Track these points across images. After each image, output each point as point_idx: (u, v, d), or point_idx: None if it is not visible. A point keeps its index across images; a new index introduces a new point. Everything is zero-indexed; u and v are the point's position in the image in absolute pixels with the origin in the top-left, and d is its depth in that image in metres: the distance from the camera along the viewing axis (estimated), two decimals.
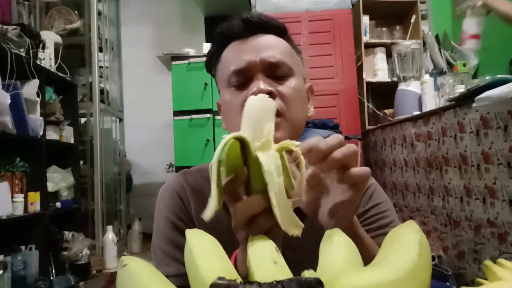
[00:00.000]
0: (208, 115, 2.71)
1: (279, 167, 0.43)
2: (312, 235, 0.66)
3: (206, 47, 2.81)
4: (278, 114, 0.62)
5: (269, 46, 0.66)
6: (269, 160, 0.43)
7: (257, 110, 0.47)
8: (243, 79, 0.65)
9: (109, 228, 2.98)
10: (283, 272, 0.33)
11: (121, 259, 0.36)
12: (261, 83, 0.63)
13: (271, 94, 0.62)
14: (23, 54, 2.40)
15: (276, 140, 0.59)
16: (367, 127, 2.75)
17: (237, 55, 0.66)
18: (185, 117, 2.76)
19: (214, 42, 0.72)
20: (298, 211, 0.66)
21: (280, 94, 0.64)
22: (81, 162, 3.30)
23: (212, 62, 0.73)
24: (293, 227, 0.44)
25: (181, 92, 2.76)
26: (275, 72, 0.65)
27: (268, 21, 0.69)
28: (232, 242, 0.56)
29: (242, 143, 0.44)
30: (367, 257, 0.42)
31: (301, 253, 0.63)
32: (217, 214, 0.71)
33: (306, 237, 0.66)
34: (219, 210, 0.43)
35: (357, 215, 0.70)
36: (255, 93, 0.61)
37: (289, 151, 0.47)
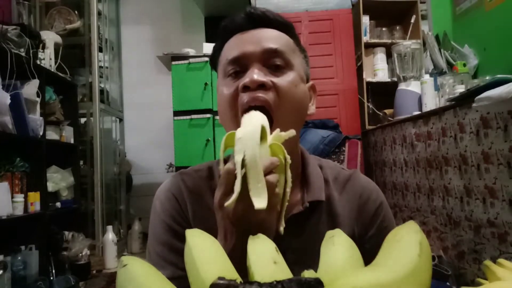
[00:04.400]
0: (208, 115, 2.71)
1: (255, 134, 0.48)
2: (314, 238, 0.66)
3: (206, 47, 2.81)
4: (268, 103, 0.60)
5: (269, 38, 0.64)
6: (245, 129, 0.49)
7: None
8: (238, 67, 0.63)
9: (109, 228, 2.98)
10: (283, 272, 0.33)
11: (121, 259, 0.36)
12: (255, 73, 0.60)
13: (264, 86, 0.60)
14: (23, 54, 2.40)
15: None
16: (367, 127, 2.75)
17: (236, 45, 0.65)
18: (185, 117, 2.76)
19: (218, 37, 0.71)
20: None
21: (275, 85, 0.61)
22: (81, 162, 3.30)
23: (215, 57, 0.71)
24: (258, 199, 0.45)
25: (181, 92, 2.76)
26: (273, 60, 0.63)
27: (273, 16, 0.67)
28: None
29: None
30: None
31: (301, 254, 0.63)
32: (215, 217, 0.70)
33: (307, 239, 0.66)
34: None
35: (364, 235, 0.68)
36: (247, 84, 0.59)
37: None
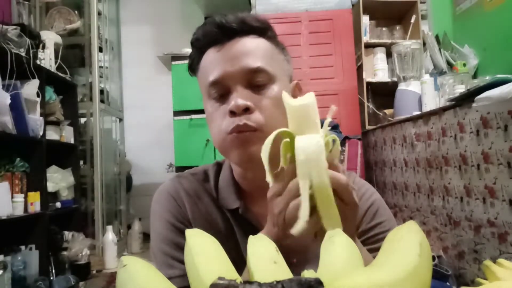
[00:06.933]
0: None
1: (320, 156, 0.43)
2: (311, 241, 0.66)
3: None
4: (254, 129, 0.60)
5: (247, 52, 0.63)
6: (306, 144, 0.44)
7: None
8: (221, 90, 0.63)
9: (109, 228, 2.98)
10: (283, 272, 0.33)
11: (121, 259, 0.36)
12: (239, 99, 0.60)
13: (248, 109, 0.60)
14: (23, 54, 2.40)
15: (255, 155, 0.59)
16: (367, 127, 2.75)
17: (213, 65, 0.64)
18: (185, 117, 2.76)
19: (193, 46, 0.69)
20: None
21: (259, 106, 0.61)
22: (81, 162, 3.30)
23: (193, 66, 0.70)
24: (331, 225, 0.43)
25: (181, 92, 2.76)
26: (255, 80, 0.62)
27: (245, 23, 0.64)
28: (229, 244, 0.56)
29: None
30: None
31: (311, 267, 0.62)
32: (213, 217, 0.71)
33: (315, 251, 0.65)
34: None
35: (361, 232, 0.69)
36: (232, 109, 0.60)
37: None
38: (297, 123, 0.48)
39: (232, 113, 0.60)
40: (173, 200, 0.70)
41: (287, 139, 0.47)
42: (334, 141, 0.48)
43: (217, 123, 0.63)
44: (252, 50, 0.63)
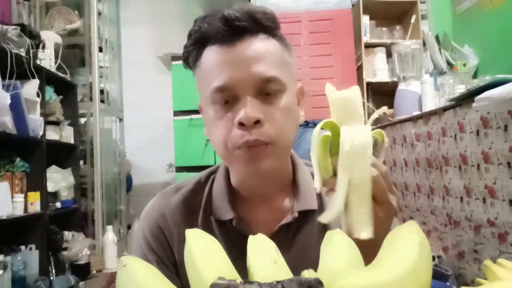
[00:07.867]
0: None
1: (367, 151, 0.40)
2: (304, 251, 0.64)
3: None
4: (265, 143, 0.57)
5: (259, 58, 0.57)
6: (353, 135, 0.40)
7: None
8: (227, 97, 0.58)
9: (109, 228, 2.98)
10: (283, 272, 0.33)
11: (121, 259, 0.36)
12: (248, 109, 0.55)
13: (258, 121, 0.56)
14: (23, 54, 2.39)
15: (266, 169, 0.58)
16: None
17: (220, 67, 0.58)
18: (185, 117, 2.76)
19: (191, 38, 0.62)
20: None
21: (269, 118, 0.57)
22: (81, 162, 3.30)
23: (190, 60, 0.64)
24: (360, 229, 0.41)
25: (181, 92, 2.76)
26: (266, 89, 0.58)
27: (256, 21, 0.58)
28: None
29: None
30: None
31: (292, 269, 0.62)
32: (207, 229, 0.69)
33: (297, 252, 0.63)
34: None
35: None
36: (242, 121, 0.56)
37: None
38: (342, 115, 0.44)
39: (241, 125, 0.56)
40: (156, 227, 0.68)
41: (327, 133, 0.44)
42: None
43: (222, 132, 0.59)
44: (264, 55, 0.58)
